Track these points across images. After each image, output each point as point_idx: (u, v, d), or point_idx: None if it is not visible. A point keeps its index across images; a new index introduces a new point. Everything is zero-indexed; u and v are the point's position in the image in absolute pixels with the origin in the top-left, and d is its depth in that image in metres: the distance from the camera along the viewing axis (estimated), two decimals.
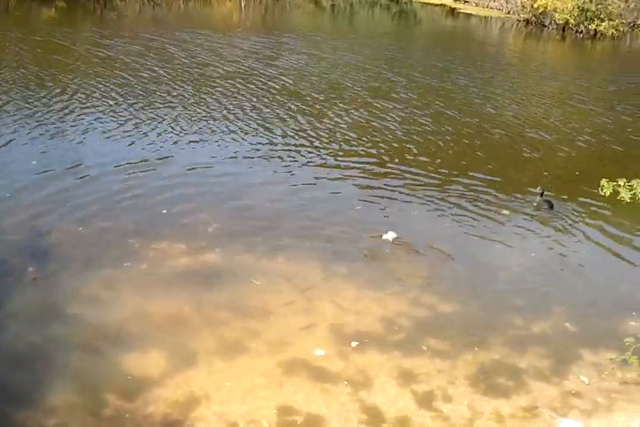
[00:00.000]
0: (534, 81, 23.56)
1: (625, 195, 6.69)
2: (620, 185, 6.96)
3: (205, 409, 6.43)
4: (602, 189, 6.96)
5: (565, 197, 12.29)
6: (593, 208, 11.76)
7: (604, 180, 6.96)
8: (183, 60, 20.45)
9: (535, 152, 15.04)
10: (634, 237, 11.01)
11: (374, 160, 13.61)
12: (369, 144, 14.44)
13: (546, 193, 11.69)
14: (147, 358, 7.07)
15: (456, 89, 20.48)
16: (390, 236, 9.85)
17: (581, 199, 12.12)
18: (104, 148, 12.97)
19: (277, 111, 16.21)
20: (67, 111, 14.63)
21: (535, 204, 11.71)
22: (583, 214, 11.64)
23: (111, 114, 14.87)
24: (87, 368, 6.86)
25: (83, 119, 14.29)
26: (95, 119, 14.38)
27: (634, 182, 6.96)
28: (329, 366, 7.19)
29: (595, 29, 36.40)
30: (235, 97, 17.04)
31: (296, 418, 6.43)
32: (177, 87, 17.36)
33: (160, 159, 12.58)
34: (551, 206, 11.57)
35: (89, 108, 15.11)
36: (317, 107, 16.92)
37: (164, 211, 10.41)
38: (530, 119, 17.69)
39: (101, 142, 13.22)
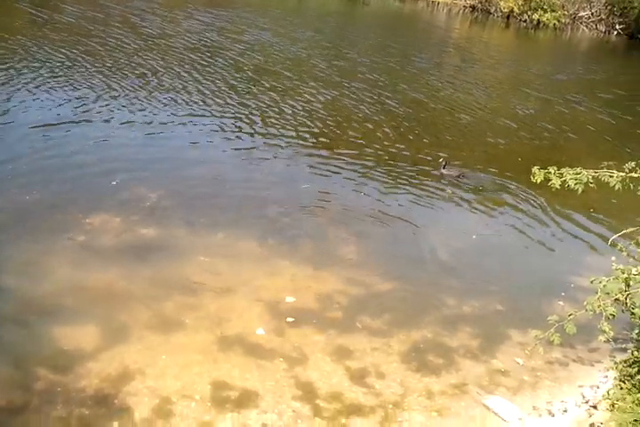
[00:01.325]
0: (480, 67, 23.91)
1: (555, 182, 6.87)
2: (550, 172, 7.14)
3: (139, 384, 6.38)
4: (533, 177, 7.13)
5: (503, 183, 12.60)
6: (531, 194, 12.08)
7: (535, 167, 7.13)
8: (143, 29, 19.94)
9: (482, 136, 15.37)
10: (565, 223, 11.40)
11: (323, 139, 13.64)
12: (319, 122, 14.44)
13: (449, 166, 12.45)
14: (80, 331, 6.96)
15: (403, 73, 20.61)
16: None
17: (519, 185, 12.41)
18: (38, 108, 12.73)
19: (228, 85, 16.03)
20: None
21: (439, 174, 12.40)
22: (518, 199, 11.98)
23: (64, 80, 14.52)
24: (17, 341, 6.71)
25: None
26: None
27: (563, 171, 7.17)
28: (265, 343, 7.22)
29: (538, 19, 37.14)
30: (191, 69, 16.76)
31: (230, 393, 6.45)
32: (127, 54, 16.95)
33: (101, 128, 12.32)
34: (458, 176, 12.33)
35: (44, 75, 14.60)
36: (263, 82, 16.79)
37: (104, 182, 10.21)
38: (475, 104, 17.98)
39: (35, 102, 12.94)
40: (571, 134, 16.60)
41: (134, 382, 6.40)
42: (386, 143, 13.83)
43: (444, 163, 12.48)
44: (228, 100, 15.06)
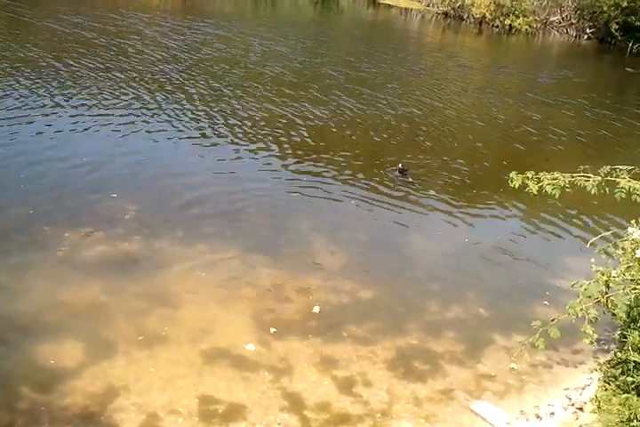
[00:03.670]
0: (455, 73, 24.11)
1: (532, 187, 6.91)
2: (528, 177, 7.19)
3: (124, 400, 6.30)
4: (511, 182, 7.17)
5: (486, 188, 12.68)
6: (509, 198, 12.15)
7: (513, 172, 7.18)
8: (101, 41, 19.80)
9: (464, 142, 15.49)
10: (544, 226, 11.51)
11: (304, 149, 13.58)
12: (297, 131, 14.43)
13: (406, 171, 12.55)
14: (62, 348, 6.86)
15: (380, 80, 20.73)
16: None
17: (500, 189, 12.48)
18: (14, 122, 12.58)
19: (201, 95, 15.98)
20: None
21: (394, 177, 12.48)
22: (497, 204, 12.07)
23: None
24: None
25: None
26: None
27: (541, 175, 7.22)
28: (250, 355, 7.18)
29: (510, 25, 37.59)
30: (161, 79, 16.67)
31: (217, 407, 6.40)
32: (85, 64, 16.80)
33: (75, 139, 12.23)
34: (404, 175, 12.50)
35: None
36: (229, 94, 16.75)
37: (83, 195, 10.14)
38: (452, 109, 18.13)
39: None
40: (546, 138, 16.81)
41: (120, 398, 6.33)
42: (365, 151, 13.88)
43: (400, 168, 12.54)
44: (206, 110, 15.02)
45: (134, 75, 16.91)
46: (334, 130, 15.02)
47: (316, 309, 8.10)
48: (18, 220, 9.21)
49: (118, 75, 16.72)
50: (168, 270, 8.52)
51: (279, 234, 9.97)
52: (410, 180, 12.46)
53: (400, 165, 12.66)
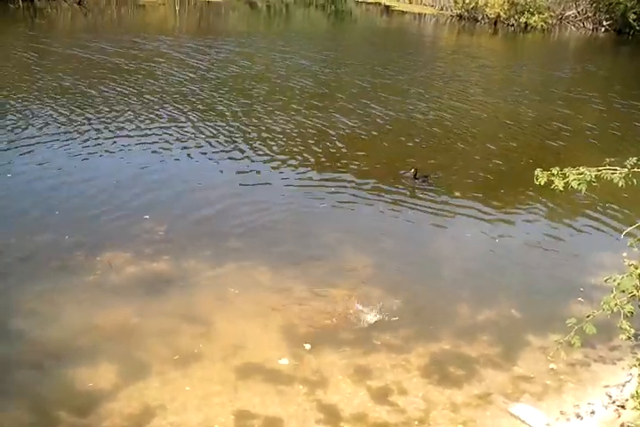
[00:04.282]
0: (477, 74, 24.01)
1: (558, 183, 6.83)
2: (553, 174, 7.11)
3: (161, 420, 6.34)
4: (537, 179, 7.09)
5: (515, 187, 12.56)
6: (539, 196, 12.02)
7: (538, 169, 7.10)
8: (130, 66, 20.15)
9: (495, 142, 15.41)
10: (572, 222, 11.36)
11: (323, 162, 13.60)
12: (314, 146, 14.45)
13: (419, 174, 12.39)
14: (97, 371, 6.94)
15: (400, 85, 20.74)
16: None
17: (530, 187, 12.32)
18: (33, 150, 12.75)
19: (220, 114, 16.12)
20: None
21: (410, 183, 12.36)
22: (526, 202, 11.96)
23: (55, 119, 14.60)
24: (35, 386, 6.69)
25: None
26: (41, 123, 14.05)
27: (566, 171, 7.13)
28: (284, 369, 7.18)
29: (525, 22, 37.39)
30: (182, 101, 16.88)
31: (254, 422, 6.41)
32: (116, 89, 17.09)
33: (89, 165, 12.38)
34: (424, 180, 12.35)
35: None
36: (259, 109, 16.87)
37: (106, 219, 10.24)
38: (477, 109, 18.05)
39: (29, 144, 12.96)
40: (577, 133, 16.69)
41: (156, 418, 6.37)
42: (393, 157, 13.87)
43: (412, 172, 12.38)
44: (238, 126, 15.13)
45: (165, 96, 17.15)
46: (364, 137, 15.07)
47: (348, 318, 8.07)
48: (47, 245, 9.34)
49: (149, 97, 16.99)
50: (198, 288, 8.57)
51: (307, 244, 9.95)
52: (426, 184, 12.35)
53: (412, 169, 12.46)
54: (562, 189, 7.01)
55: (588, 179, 6.64)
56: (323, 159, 13.61)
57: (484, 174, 13.32)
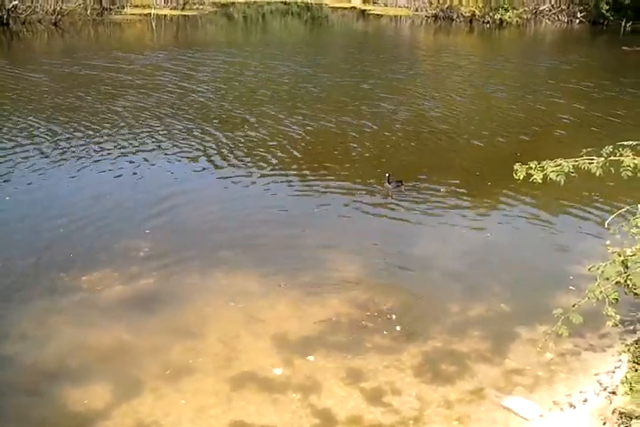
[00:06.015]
0: (451, 72, 24.15)
1: (537, 176, 6.88)
2: (531, 168, 7.16)
3: None
4: (516, 174, 7.15)
5: (499, 182, 12.65)
6: (524, 189, 12.07)
7: (517, 164, 7.16)
8: (137, 82, 20.26)
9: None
10: (553, 214, 11.45)
11: (308, 167, 13.70)
12: (296, 151, 14.55)
13: (392, 180, 12.33)
14: (90, 391, 6.92)
15: (376, 88, 20.84)
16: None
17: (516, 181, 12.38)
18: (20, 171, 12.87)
19: (202, 126, 16.17)
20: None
21: (385, 190, 12.32)
22: (512, 196, 12.04)
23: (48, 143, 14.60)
24: (29, 409, 6.68)
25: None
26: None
27: (544, 164, 7.19)
28: (276, 377, 7.19)
29: (500, 19, 37.67)
30: (168, 115, 16.93)
31: None
32: (99, 106, 17.13)
33: (66, 184, 12.43)
34: (398, 185, 12.31)
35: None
36: (236, 120, 16.94)
37: (94, 237, 10.24)
38: (455, 108, 18.15)
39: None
40: (557, 124, 16.83)
41: None
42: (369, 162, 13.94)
43: (387, 177, 12.31)
44: (207, 138, 15.21)
45: (144, 111, 17.32)
46: (349, 141, 15.13)
47: (339, 322, 8.09)
48: (32, 267, 9.31)
49: (134, 112, 17.13)
50: (186, 303, 8.57)
51: (295, 252, 9.96)
52: (401, 189, 12.31)
53: (387, 174, 12.36)
54: (540, 181, 7.08)
55: (566, 170, 6.71)
56: (304, 166, 13.68)
57: (468, 170, 13.38)
